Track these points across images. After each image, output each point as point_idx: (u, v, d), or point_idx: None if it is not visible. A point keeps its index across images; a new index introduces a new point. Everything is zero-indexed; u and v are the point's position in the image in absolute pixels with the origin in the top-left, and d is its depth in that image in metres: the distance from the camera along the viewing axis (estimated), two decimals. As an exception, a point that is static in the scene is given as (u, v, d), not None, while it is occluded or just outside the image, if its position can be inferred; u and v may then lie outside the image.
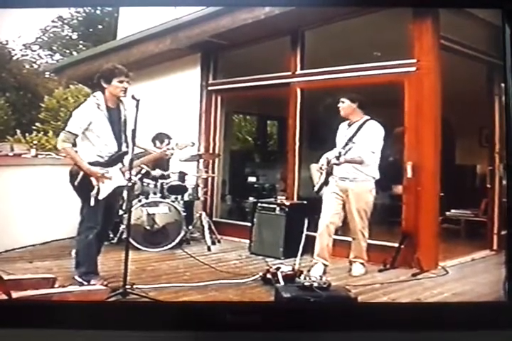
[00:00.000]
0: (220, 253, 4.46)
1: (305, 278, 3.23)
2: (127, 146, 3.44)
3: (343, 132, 4.09)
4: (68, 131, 3.39)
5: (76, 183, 3.40)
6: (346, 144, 3.97)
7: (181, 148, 3.92)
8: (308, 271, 3.83)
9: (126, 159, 3.46)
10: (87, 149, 3.42)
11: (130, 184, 3.41)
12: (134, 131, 3.34)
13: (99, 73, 3.44)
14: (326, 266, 3.94)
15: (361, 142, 3.94)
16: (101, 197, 3.39)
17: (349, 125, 4.06)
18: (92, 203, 3.36)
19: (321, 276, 3.27)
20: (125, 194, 3.65)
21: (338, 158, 3.95)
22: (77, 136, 3.39)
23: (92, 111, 3.41)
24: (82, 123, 3.38)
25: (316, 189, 4.17)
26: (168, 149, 3.73)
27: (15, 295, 2.73)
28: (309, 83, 4.80)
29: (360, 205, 3.95)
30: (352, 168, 3.96)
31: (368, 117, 4.04)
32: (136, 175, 4.26)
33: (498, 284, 2.92)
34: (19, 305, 2.71)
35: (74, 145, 3.41)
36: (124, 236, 3.54)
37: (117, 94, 3.39)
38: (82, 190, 3.41)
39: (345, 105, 4.05)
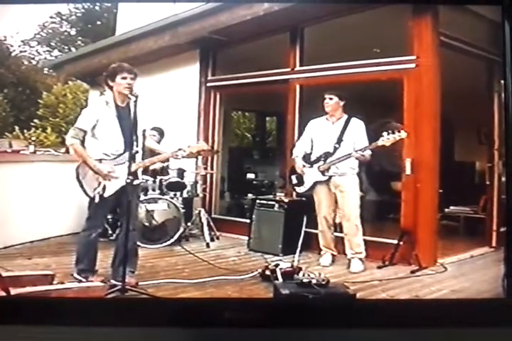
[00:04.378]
0: (219, 250, 4.46)
1: (304, 275, 3.23)
2: (137, 145, 3.42)
3: (325, 129, 4.14)
4: (77, 127, 3.40)
5: (82, 180, 3.41)
6: (340, 141, 4.03)
7: (194, 151, 3.65)
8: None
9: (135, 158, 3.42)
10: (93, 146, 3.41)
11: (139, 182, 3.45)
12: (143, 131, 3.43)
13: (105, 72, 3.43)
14: (334, 255, 4.12)
15: (359, 139, 4.02)
16: (106, 195, 3.38)
17: (332, 122, 4.11)
18: (97, 200, 3.36)
19: (319, 273, 3.26)
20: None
21: (361, 153, 3.93)
22: (85, 132, 3.38)
23: (101, 108, 3.41)
24: (90, 120, 3.38)
25: (305, 188, 4.19)
26: (179, 150, 3.63)
27: (13, 291, 2.72)
28: (308, 79, 4.79)
29: (353, 199, 4.03)
30: (343, 163, 4.00)
31: (347, 115, 4.10)
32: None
33: (496, 281, 2.92)
34: (18, 301, 2.71)
35: (82, 142, 3.40)
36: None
37: (122, 90, 3.36)
38: (87, 187, 3.41)
39: (332, 102, 4.09)
